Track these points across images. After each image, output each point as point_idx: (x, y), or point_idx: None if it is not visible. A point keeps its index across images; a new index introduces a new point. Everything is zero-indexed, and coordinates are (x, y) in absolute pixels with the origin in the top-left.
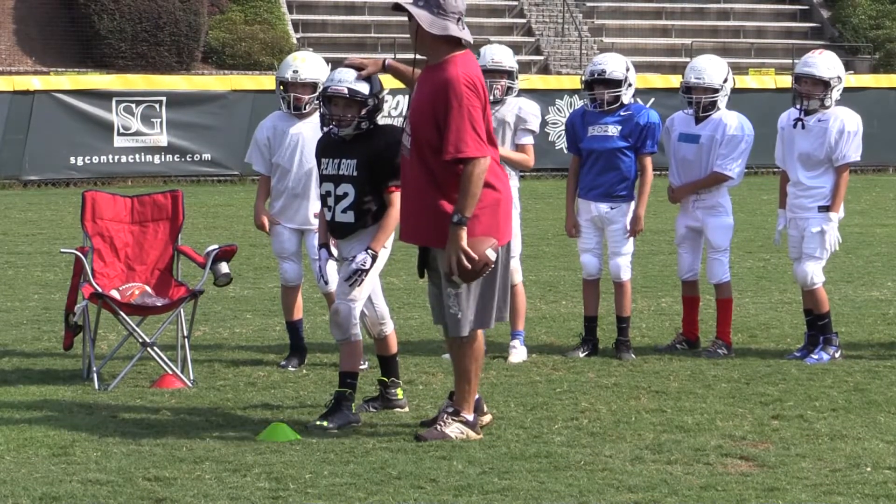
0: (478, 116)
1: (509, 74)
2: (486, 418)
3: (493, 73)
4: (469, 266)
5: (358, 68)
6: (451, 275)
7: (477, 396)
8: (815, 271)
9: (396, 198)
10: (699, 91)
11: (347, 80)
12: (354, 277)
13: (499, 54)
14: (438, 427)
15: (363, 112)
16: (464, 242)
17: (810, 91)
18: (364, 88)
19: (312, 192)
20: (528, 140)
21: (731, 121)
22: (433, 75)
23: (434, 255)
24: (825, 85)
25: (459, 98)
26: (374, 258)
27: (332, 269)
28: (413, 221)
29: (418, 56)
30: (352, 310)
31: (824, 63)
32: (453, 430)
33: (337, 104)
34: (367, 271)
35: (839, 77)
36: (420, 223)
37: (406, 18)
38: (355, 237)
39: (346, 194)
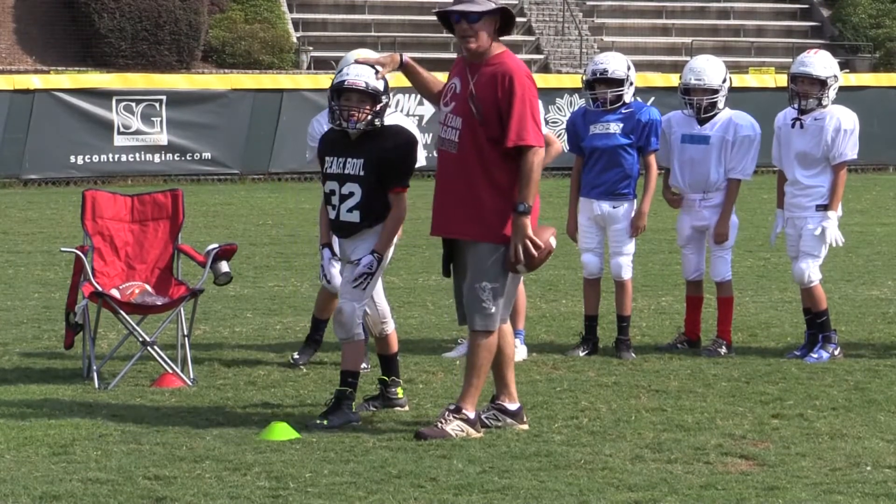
0: (537, 107)
1: None
2: (525, 427)
3: None
4: (535, 254)
5: (373, 67)
6: (516, 264)
7: (519, 406)
8: (811, 269)
9: (400, 199)
10: (699, 92)
11: (364, 74)
12: (360, 280)
13: None
14: (439, 424)
15: (377, 108)
16: (530, 231)
17: (807, 91)
18: (379, 84)
19: None
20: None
21: (742, 121)
22: (487, 70)
23: (464, 251)
24: (822, 84)
25: (523, 88)
26: (379, 261)
27: (335, 269)
28: (455, 215)
29: (464, 57)
30: (356, 310)
31: (820, 62)
32: (453, 427)
33: (350, 98)
34: (373, 274)
35: (835, 76)
36: (467, 216)
37: (433, 21)
38: (360, 237)
39: (351, 193)
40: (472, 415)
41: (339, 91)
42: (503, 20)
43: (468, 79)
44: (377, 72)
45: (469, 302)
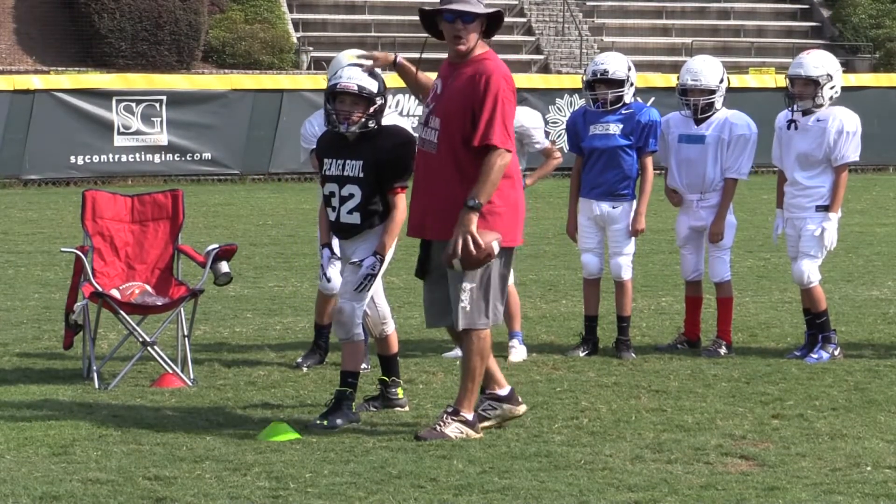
0: (510, 111)
1: None
2: (521, 409)
3: None
4: (473, 252)
5: (362, 65)
6: (452, 257)
7: (510, 388)
8: (811, 269)
9: (400, 199)
10: (696, 93)
11: (357, 77)
12: (363, 282)
13: None
14: (438, 427)
15: (371, 110)
16: (473, 227)
17: (801, 91)
18: (373, 86)
19: None
20: (542, 145)
21: (738, 120)
22: (466, 70)
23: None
24: (815, 84)
25: (496, 90)
26: (381, 262)
27: (335, 269)
28: (433, 215)
29: (440, 56)
30: (356, 310)
31: (812, 62)
32: (452, 429)
33: (344, 101)
34: (375, 275)
35: (829, 74)
36: (444, 217)
37: (415, 19)
38: (360, 238)
39: (351, 195)
40: (470, 416)
41: (334, 94)
42: (490, 22)
43: (448, 79)
44: (368, 66)
45: (453, 303)
